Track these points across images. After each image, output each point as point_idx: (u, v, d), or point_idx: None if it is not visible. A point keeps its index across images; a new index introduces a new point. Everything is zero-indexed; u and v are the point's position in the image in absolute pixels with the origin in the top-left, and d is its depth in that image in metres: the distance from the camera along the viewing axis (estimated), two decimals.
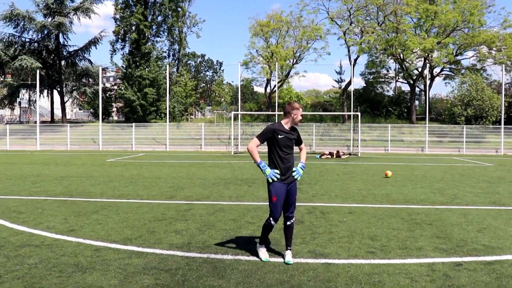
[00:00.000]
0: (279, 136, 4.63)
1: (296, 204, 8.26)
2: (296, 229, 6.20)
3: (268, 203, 4.97)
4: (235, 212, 7.51)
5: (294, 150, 4.90)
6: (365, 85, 43.64)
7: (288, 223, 4.82)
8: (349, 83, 38.14)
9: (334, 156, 22.33)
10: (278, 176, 4.60)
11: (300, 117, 4.75)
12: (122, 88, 39.70)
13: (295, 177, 4.70)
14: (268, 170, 4.58)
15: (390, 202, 8.57)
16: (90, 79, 42.97)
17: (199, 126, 32.73)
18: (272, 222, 4.74)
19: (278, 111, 37.65)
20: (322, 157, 22.23)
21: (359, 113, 26.68)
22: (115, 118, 49.45)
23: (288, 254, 4.81)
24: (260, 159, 4.62)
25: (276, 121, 31.72)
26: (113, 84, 58.60)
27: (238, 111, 32.41)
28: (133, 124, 31.83)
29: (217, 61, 70.04)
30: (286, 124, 4.75)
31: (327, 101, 49.96)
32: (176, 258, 4.86)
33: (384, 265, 4.68)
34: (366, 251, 5.18)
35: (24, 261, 4.73)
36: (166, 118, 32.60)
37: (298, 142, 4.88)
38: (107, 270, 4.49)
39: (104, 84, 47.73)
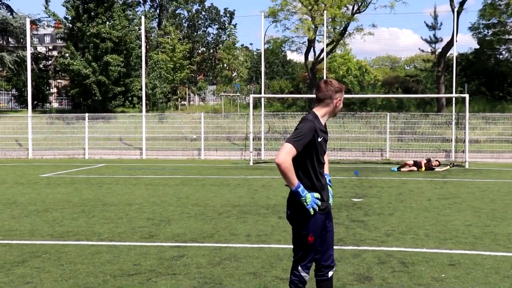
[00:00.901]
0: (319, 139, 4.72)
1: (361, 248, 8.29)
2: None
3: (292, 246, 5.02)
4: (257, 261, 7.53)
5: None
6: (478, 46, 43.08)
7: (330, 273, 4.97)
8: (450, 44, 37.71)
9: (423, 168, 22.11)
10: (320, 204, 4.72)
11: (341, 105, 4.90)
12: (67, 54, 40.30)
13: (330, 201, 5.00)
14: (309, 197, 4.65)
15: None
16: (10, 39, 43.65)
17: (197, 118, 32.93)
18: (304, 274, 4.86)
19: None
20: (402, 169, 22.02)
21: (466, 96, 26.33)
22: (56, 105, 50.27)
23: None
24: (298, 181, 4.66)
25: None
26: (50, 48, 59.57)
27: (261, 93, 32.49)
28: (86, 115, 32.26)
29: (225, 10, 70.46)
30: (323, 117, 4.83)
31: (411, 75, 49.52)
32: None
33: None
34: None
35: None
36: (142, 105, 32.94)
37: None
38: None
39: (35, 48, 48.57)
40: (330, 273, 4.94)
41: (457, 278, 6.76)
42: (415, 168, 22.02)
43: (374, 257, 7.76)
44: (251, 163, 25.76)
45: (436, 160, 23.31)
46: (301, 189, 4.60)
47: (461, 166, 24.37)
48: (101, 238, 9.04)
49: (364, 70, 50.61)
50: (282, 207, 12.15)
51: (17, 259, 7.66)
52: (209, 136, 31.56)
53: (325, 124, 4.86)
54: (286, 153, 4.47)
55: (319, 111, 4.80)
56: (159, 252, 8.05)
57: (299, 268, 4.84)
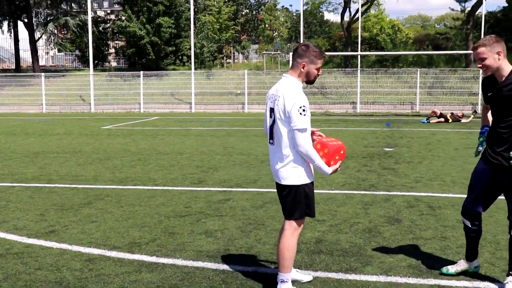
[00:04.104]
0: (488, 94, 4.83)
1: (391, 193, 8.29)
2: (390, 231, 6.20)
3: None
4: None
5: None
6: (506, 5, 41.66)
7: None
8: (479, 2, 36.53)
9: (450, 120, 21.78)
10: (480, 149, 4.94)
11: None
12: (123, 18, 40.48)
13: None
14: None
15: None
16: (73, 5, 44.03)
17: (241, 75, 32.91)
18: (461, 218, 5.14)
19: (361, 50, 36.84)
20: (431, 121, 21.75)
21: None
22: (114, 64, 50.81)
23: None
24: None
25: (355, 68, 30.95)
26: (109, 12, 59.89)
27: None
28: (141, 73, 32.52)
29: None
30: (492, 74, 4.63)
31: (441, 33, 48.33)
32: (207, 273, 4.99)
33: None
34: (502, 269, 5.06)
35: None
36: (191, 63, 33.00)
37: None
38: None
39: (95, 12, 48.87)
40: None
41: (482, 221, 6.69)
42: (442, 120, 21.75)
43: (403, 201, 7.76)
44: None
45: (461, 113, 23.00)
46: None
47: None
48: (156, 184, 9.23)
49: (396, 28, 49.56)
50: None
51: (83, 201, 7.90)
52: (252, 91, 31.55)
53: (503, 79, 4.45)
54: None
55: None
56: (207, 196, 8.18)
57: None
